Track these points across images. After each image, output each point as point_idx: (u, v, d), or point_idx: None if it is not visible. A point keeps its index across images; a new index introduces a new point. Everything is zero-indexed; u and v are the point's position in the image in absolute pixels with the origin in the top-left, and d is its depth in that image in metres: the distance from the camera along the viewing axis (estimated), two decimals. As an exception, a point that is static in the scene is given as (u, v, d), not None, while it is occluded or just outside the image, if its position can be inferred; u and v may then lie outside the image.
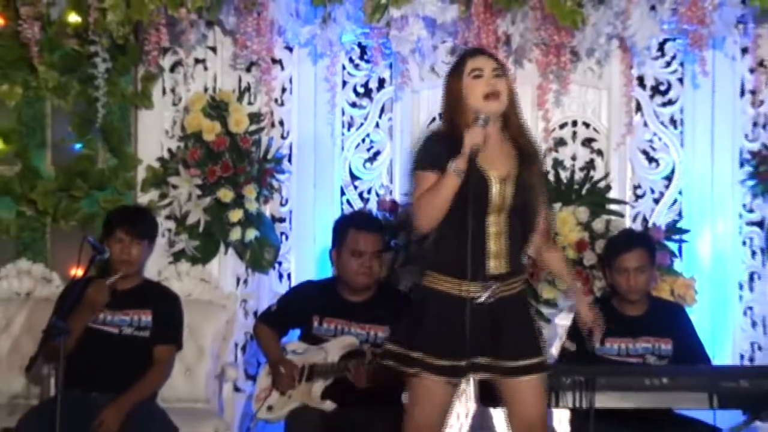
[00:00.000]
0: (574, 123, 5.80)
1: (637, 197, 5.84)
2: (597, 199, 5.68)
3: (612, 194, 5.76)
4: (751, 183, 5.78)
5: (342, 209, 5.91)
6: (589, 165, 5.80)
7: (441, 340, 3.97)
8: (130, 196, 5.81)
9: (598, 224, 5.55)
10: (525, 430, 4.07)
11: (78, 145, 5.86)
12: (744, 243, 5.84)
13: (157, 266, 5.67)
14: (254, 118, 5.80)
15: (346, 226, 5.15)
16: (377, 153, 5.99)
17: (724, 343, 5.76)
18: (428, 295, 4.06)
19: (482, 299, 3.94)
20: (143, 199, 5.82)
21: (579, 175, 5.78)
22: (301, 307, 5.19)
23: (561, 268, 4.28)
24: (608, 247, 5.16)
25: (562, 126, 5.83)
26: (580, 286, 4.30)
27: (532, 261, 4.30)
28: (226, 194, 5.70)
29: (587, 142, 5.85)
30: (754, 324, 5.82)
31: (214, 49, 5.91)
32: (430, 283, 4.04)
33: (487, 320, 3.97)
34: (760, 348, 5.79)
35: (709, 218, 5.82)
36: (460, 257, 3.92)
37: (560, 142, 5.81)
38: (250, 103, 5.88)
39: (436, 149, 4.01)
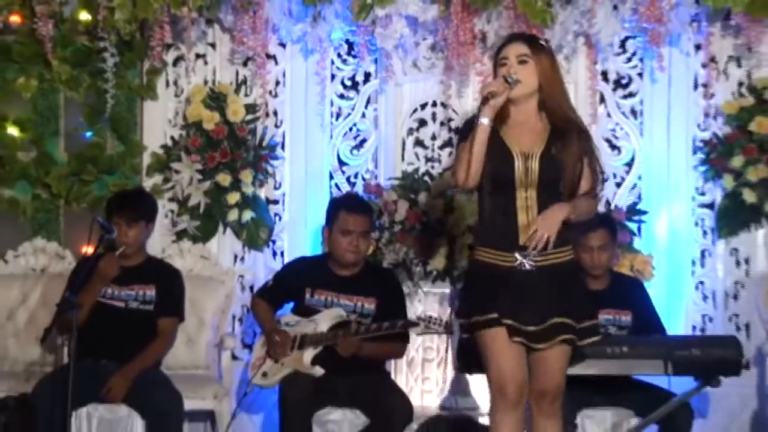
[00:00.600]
0: None
1: (596, 179, 5.82)
2: None
3: None
4: (702, 169, 5.79)
5: (331, 192, 5.91)
6: None
7: (488, 304, 3.88)
8: (136, 180, 5.83)
9: None
10: (538, 396, 3.97)
11: (89, 134, 5.88)
12: (696, 223, 5.84)
13: (161, 244, 5.70)
14: (250, 108, 5.82)
15: (338, 208, 5.15)
16: (363, 141, 5.98)
17: (678, 315, 5.76)
18: (476, 266, 4.00)
19: (522, 268, 3.87)
20: (148, 183, 5.84)
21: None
22: (295, 281, 5.21)
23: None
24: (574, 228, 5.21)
25: (534, 117, 5.88)
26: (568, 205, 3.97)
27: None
28: (224, 178, 5.73)
29: None
30: (705, 297, 5.84)
31: (213, 45, 5.92)
32: (477, 256, 3.97)
33: (531, 287, 3.89)
34: (710, 320, 5.81)
35: (666, 201, 5.83)
36: (495, 230, 3.91)
37: (532, 131, 5.84)
38: (246, 95, 5.89)
39: (468, 127, 3.97)
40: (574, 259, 4.01)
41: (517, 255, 3.88)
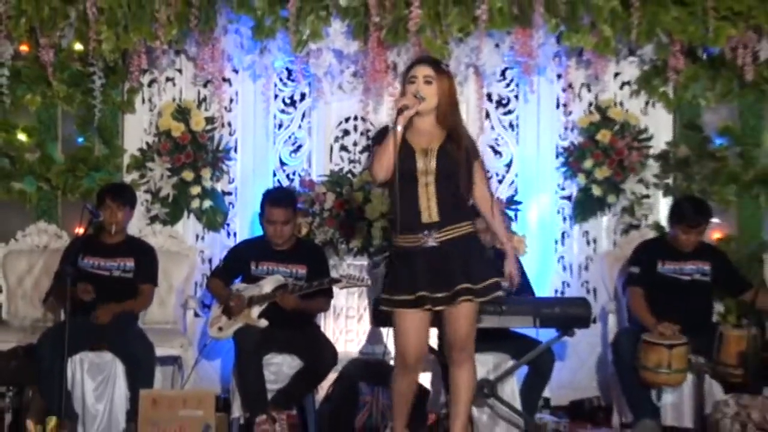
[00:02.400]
0: None
1: (488, 179, 5.66)
2: None
3: None
4: (563, 169, 5.87)
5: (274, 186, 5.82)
6: None
7: (406, 280, 3.88)
8: (118, 176, 5.79)
9: None
10: (450, 344, 3.95)
11: (81, 139, 5.86)
12: (558, 212, 5.91)
13: (138, 227, 5.67)
14: (209, 120, 5.82)
15: (264, 202, 5.13)
16: (300, 146, 5.97)
17: (545, 281, 5.85)
18: (393, 250, 4.00)
19: (427, 245, 3.85)
20: (128, 178, 5.81)
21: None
22: (241, 258, 5.21)
23: (501, 232, 4.10)
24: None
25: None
26: (510, 248, 4.04)
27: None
28: (188, 175, 5.74)
29: None
30: (564, 268, 5.92)
31: (180, 71, 5.90)
32: (394, 241, 3.97)
33: (437, 259, 3.86)
34: (568, 285, 5.91)
35: (535, 194, 5.89)
36: (403, 216, 3.84)
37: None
38: (206, 110, 5.87)
39: (380, 135, 4.04)
40: (473, 231, 3.96)
41: (420, 235, 3.87)
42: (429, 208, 3.88)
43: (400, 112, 3.81)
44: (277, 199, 5.15)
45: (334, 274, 5.35)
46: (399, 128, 3.80)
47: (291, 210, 5.16)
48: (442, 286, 3.88)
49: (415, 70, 3.94)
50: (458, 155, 3.90)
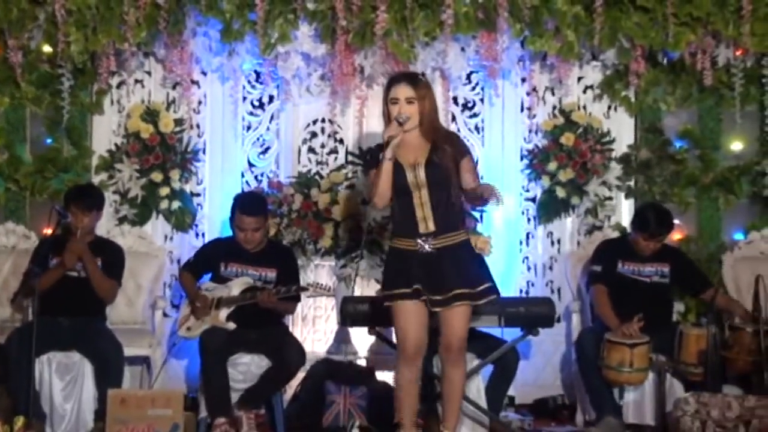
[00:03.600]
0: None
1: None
2: None
3: None
4: (527, 171, 5.88)
5: (242, 188, 5.86)
6: None
7: (403, 276, 4.01)
8: (86, 177, 5.75)
9: None
10: (445, 346, 4.05)
11: (49, 140, 5.83)
12: (523, 213, 5.92)
13: (106, 227, 5.65)
14: (178, 122, 5.81)
15: (235, 207, 5.08)
16: (268, 148, 5.95)
17: (510, 281, 5.83)
18: (391, 252, 4.13)
19: (423, 250, 3.99)
20: (96, 179, 5.77)
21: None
22: (212, 256, 5.19)
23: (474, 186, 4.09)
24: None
25: (404, 132, 5.81)
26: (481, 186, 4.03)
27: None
28: (157, 176, 5.73)
29: None
30: (529, 268, 5.94)
31: (149, 73, 5.89)
32: (392, 244, 4.12)
33: (433, 262, 3.98)
34: (532, 285, 5.93)
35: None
36: (402, 224, 4.03)
37: (399, 142, 5.83)
38: (175, 112, 5.86)
39: (373, 156, 4.10)
40: (467, 238, 4.11)
41: (418, 241, 4.01)
42: (425, 218, 4.00)
43: (387, 144, 3.92)
44: (248, 207, 5.11)
45: (302, 275, 5.36)
46: (390, 158, 3.93)
47: (262, 218, 5.13)
48: (438, 288, 3.99)
49: (395, 91, 4.03)
50: (445, 163, 4.01)
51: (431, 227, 4.01)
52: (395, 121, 3.97)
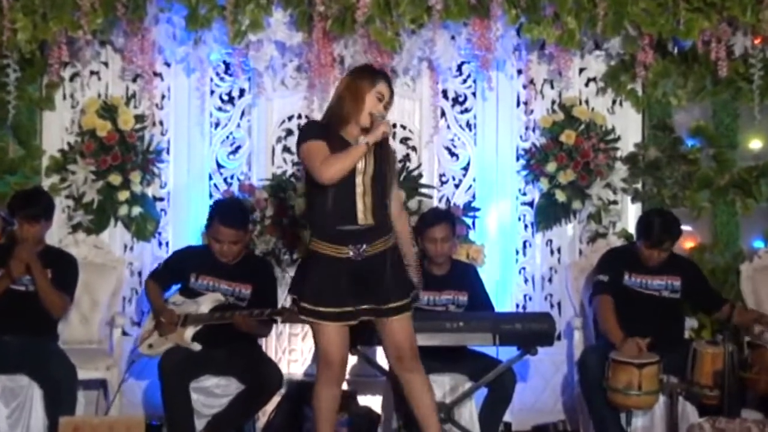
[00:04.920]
0: (394, 126, 5.74)
1: (442, 183, 5.88)
2: (412, 184, 5.71)
3: (423, 181, 5.78)
4: (524, 173, 5.85)
5: (210, 191, 5.85)
6: (405, 158, 5.82)
7: (330, 291, 4.05)
8: (36, 179, 5.71)
9: (412, 204, 5.60)
10: (397, 357, 4.13)
11: None
12: (519, 219, 5.90)
13: (58, 236, 5.62)
14: (139, 118, 5.76)
15: (213, 217, 5.09)
16: (238, 147, 5.92)
17: (505, 294, 5.82)
18: (310, 254, 4.14)
19: (356, 258, 4.03)
20: (47, 182, 5.72)
21: (398, 166, 5.41)
22: (181, 267, 5.17)
23: (407, 239, 4.24)
24: (420, 222, 5.18)
25: (384, 127, 5.90)
26: (414, 253, 4.26)
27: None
28: (115, 179, 5.67)
29: (404, 140, 5.87)
30: (526, 281, 5.91)
31: (106, 63, 5.84)
32: (312, 244, 4.12)
33: (362, 271, 4.04)
34: (530, 299, 5.89)
35: (495, 199, 5.86)
36: (333, 214, 4.04)
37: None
38: (135, 107, 5.82)
39: (316, 127, 4.16)
40: (395, 243, 4.13)
41: (349, 247, 4.03)
42: (365, 210, 4.07)
43: (385, 137, 4.04)
44: (229, 218, 5.09)
45: (279, 291, 5.33)
46: (370, 141, 4.01)
47: (243, 231, 5.14)
48: (367, 296, 4.07)
49: (381, 86, 4.14)
50: (388, 155, 4.14)
51: (370, 219, 4.07)
52: (379, 118, 4.07)
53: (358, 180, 4.06)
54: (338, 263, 4.06)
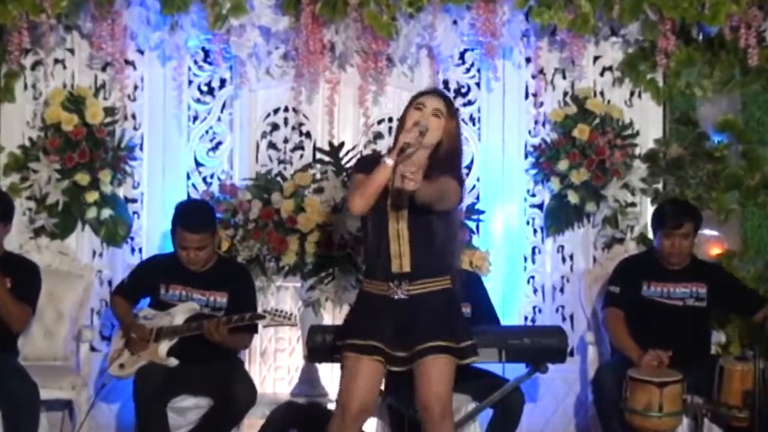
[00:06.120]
0: (390, 119, 5.77)
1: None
2: None
3: None
4: (533, 172, 5.85)
5: (188, 192, 5.85)
6: None
7: (364, 326, 3.98)
8: None
9: None
10: (422, 407, 3.98)
11: None
12: (528, 222, 5.90)
13: (18, 241, 5.59)
14: (109, 111, 5.74)
15: (176, 223, 5.08)
16: (219, 143, 5.91)
17: (512, 306, 5.82)
18: (360, 293, 4.12)
19: (396, 296, 3.95)
20: (5, 182, 5.70)
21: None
22: (150, 278, 5.14)
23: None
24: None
25: (380, 122, 5.84)
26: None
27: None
28: (83, 178, 5.63)
29: None
30: (535, 291, 5.90)
31: (72, 51, 5.82)
32: (363, 284, 4.09)
33: (405, 313, 3.95)
34: (540, 311, 5.88)
35: (501, 201, 5.87)
36: (372, 258, 4.00)
37: (378, 136, 5.79)
38: (105, 99, 5.79)
39: (366, 160, 4.08)
40: (450, 287, 4.02)
41: (390, 284, 3.95)
42: (400, 255, 3.98)
43: (402, 150, 3.85)
44: (189, 221, 5.07)
45: (261, 300, 5.37)
46: (391, 162, 3.83)
47: (208, 234, 5.09)
48: (404, 344, 3.97)
49: (425, 98, 4.06)
50: (439, 191, 3.94)
51: (406, 266, 3.97)
52: (416, 128, 3.90)
53: (392, 223, 3.96)
54: (379, 300, 3.99)
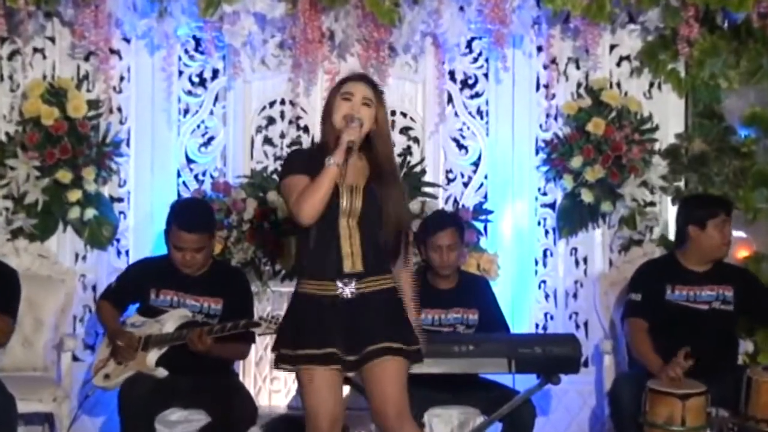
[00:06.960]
0: (393, 113, 5.71)
1: (449, 181, 5.87)
2: (413, 182, 5.67)
3: (427, 178, 5.76)
4: (545, 169, 5.83)
5: (178, 191, 5.83)
6: (406, 151, 5.80)
7: (314, 333, 3.92)
8: None
9: (414, 205, 5.54)
10: (376, 413, 3.96)
11: None
12: (539, 223, 5.88)
13: None
14: (93, 104, 5.71)
15: (172, 222, 5.06)
16: (211, 138, 5.89)
17: (523, 312, 5.81)
18: (297, 297, 4.06)
19: (344, 295, 3.92)
20: None
21: (397, 161, 5.66)
22: (139, 282, 5.11)
23: (407, 289, 4.12)
24: (423, 227, 5.15)
25: (382, 115, 5.86)
26: (413, 305, 4.12)
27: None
28: (64, 175, 5.61)
29: (405, 130, 5.83)
30: (547, 296, 5.89)
31: (52, 39, 5.79)
32: (299, 286, 4.04)
33: (353, 314, 3.94)
34: (552, 318, 5.87)
35: (510, 200, 5.85)
36: (319, 260, 3.96)
37: (379, 129, 5.81)
38: (88, 91, 5.77)
39: (299, 158, 4.05)
40: (395, 287, 4.03)
41: (338, 283, 3.93)
42: (352, 254, 3.97)
43: (349, 150, 3.91)
44: (188, 220, 5.03)
45: (257, 306, 5.35)
46: (337, 163, 3.88)
47: (206, 235, 5.07)
48: (355, 347, 3.94)
49: (351, 86, 4.06)
50: (385, 192, 4.04)
51: (358, 266, 3.95)
52: (354, 124, 3.95)
53: (342, 222, 3.95)
54: (324, 302, 3.95)
